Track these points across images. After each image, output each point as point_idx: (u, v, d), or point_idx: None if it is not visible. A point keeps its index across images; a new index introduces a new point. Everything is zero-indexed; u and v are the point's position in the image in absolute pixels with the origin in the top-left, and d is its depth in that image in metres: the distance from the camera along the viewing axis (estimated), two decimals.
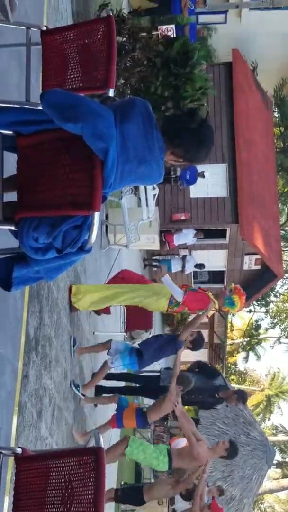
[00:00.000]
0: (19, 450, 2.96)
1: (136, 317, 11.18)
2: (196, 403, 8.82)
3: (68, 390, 7.07)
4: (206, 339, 28.87)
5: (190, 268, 19.76)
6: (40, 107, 3.21)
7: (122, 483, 9.01)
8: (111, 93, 3.51)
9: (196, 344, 8.10)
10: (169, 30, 13.08)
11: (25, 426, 5.09)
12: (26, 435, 5.10)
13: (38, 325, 5.77)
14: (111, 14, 3.73)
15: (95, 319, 9.61)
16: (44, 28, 3.80)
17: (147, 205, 11.93)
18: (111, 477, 10.00)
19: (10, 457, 3.04)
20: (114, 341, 8.17)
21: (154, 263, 20.82)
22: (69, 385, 7.15)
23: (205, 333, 29.76)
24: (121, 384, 10.01)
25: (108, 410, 8.88)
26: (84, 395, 7.70)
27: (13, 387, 4.80)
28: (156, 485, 8.07)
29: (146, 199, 11.54)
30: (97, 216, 2.98)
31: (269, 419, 42.90)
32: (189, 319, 7.48)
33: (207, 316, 8.48)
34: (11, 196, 3.23)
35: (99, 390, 8.74)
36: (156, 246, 14.71)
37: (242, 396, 8.49)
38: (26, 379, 5.18)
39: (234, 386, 31.85)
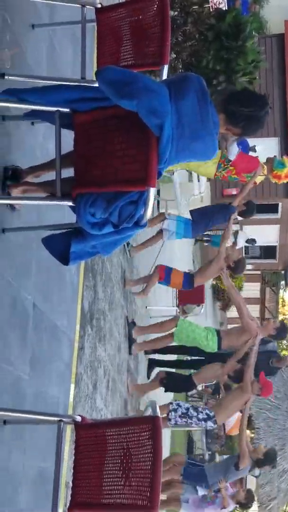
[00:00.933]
0: (78, 418, 3.06)
1: (188, 291, 11.21)
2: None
3: (122, 363, 7.19)
4: (257, 315, 28.80)
5: (241, 243, 19.59)
6: (96, 85, 3.27)
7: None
8: (165, 69, 3.54)
9: (249, 208, 8.26)
10: (221, 2, 12.93)
11: (81, 397, 5.23)
12: (82, 405, 5.24)
13: (93, 299, 5.88)
14: None
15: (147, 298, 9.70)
16: (99, 6, 3.84)
17: (198, 180, 11.91)
18: (164, 450, 10.14)
19: (69, 425, 3.14)
20: (166, 221, 8.19)
21: (205, 238, 20.76)
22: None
23: (256, 308, 29.69)
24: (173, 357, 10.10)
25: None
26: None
27: (69, 359, 4.93)
28: (204, 368, 8.01)
29: (198, 175, 11.52)
30: (152, 191, 3.03)
31: None
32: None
33: (255, 183, 8.52)
34: (67, 172, 3.30)
35: (152, 364, 8.83)
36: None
37: None
38: (81, 351, 5.31)
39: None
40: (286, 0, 25.83)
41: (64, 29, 4.84)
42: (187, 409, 7.29)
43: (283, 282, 28.67)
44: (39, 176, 3.76)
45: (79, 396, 5.13)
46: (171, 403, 7.37)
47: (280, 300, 36.21)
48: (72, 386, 4.93)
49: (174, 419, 7.21)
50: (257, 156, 8.24)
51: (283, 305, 40.71)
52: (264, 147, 19.60)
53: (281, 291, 33.13)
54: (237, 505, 8.03)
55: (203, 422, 7.29)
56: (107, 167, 3.12)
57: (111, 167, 3.11)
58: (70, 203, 3.19)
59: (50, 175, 3.67)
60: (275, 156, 8.15)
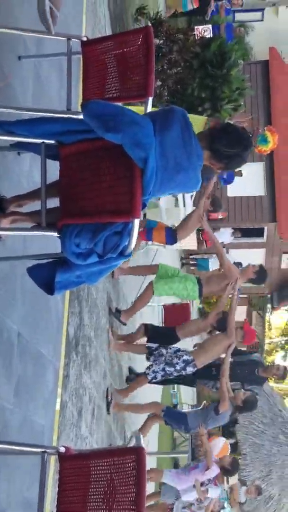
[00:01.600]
0: (62, 449, 3.05)
1: (174, 316, 11.23)
2: (234, 378, 8.54)
3: (108, 389, 7.18)
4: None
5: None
6: (81, 117, 3.32)
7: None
8: (149, 101, 3.59)
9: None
10: (206, 30, 13.10)
11: (66, 424, 5.21)
12: (67, 433, 5.22)
13: (78, 326, 5.88)
14: (149, 24, 3.81)
15: (133, 320, 9.69)
16: (85, 39, 3.90)
17: (184, 205, 11.97)
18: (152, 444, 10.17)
19: (53, 456, 3.13)
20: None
21: (191, 262, 20.84)
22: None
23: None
24: None
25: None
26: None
27: (54, 387, 4.92)
28: (187, 323, 8.03)
29: (184, 199, 11.60)
30: (137, 222, 3.06)
31: None
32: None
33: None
34: (54, 203, 3.33)
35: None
36: (193, 246, 14.73)
37: (285, 371, 8.26)
38: (67, 379, 5.30)
39: (272, 385, 31.70)
40: (271, 27, 26.26)
41: (51, 60, 4.90)
42: (163, 370, 7.27)
43: (269, 306, 28.75)
44: (23, 205, 3.80)
45: (64, 424, 5.12)
46: (147, 373, 7.31)
47: (267, 324, 36.27)
48: (57, 414, 4.92)
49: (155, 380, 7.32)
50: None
51: (270, 329, 40.79)
52: (250, 171, 19.77)
53: (267, 314, 33.20)
54: (221, 471, 7.94)
55: (183, 371, 7.26)
56: (92, 198, 3.15)
57: (96, 198, 3.14)
58: (56, 234, 3.22)
59: (36, 205, 3.71)
60: (258, 129, 8.22)
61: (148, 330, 7.69)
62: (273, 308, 27.69)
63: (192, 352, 7.38)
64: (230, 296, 7.34)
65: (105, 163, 3.16)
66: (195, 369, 7.33)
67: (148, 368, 7.37)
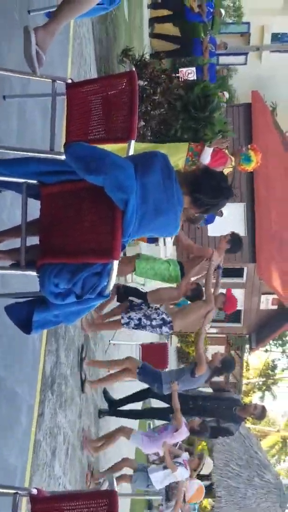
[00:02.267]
0: (34, 491, 3.02)
1: (152, 355, 11.20)
2: (211, 413, 8.44)
3: (82, 429, 7.11)
4: (221, 378, 28.72)
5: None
6: (64, 158, 3.35)
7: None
8: (132, 144, 3.63)
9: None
10: (190, 72, 13.33)
11: (39, 464, 5.15)
12: (40, 473, 5.16)
13: (55, 364, 5.85)
14: (133, 68, 3.88)
15: (111, 356, 9.66)
16: (69, 81, 3.96)
17: (164, 244, 12.03)
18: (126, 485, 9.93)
19: (25, 497, 3.09)
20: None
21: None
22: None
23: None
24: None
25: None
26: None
27: (28, 426, 4.87)
28: (160, 289, 7.89)
29: (164, 238, 11.65)
30: (116, 264, 3.08)
31: (284, 461, 42.30)
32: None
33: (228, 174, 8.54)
34: (34, 240, 3.34)
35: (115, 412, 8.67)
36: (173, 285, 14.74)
37: (263, 410, 8.29)
38: (41, 418, 5.25)
39: (249, 426, 31.54)
40: (254, 71, 26.75)
41: (35, 100, 4.95)
42: (139, 319, 7.25)
43: (247, 346, 28.74)
44: (1, 242, 3.81)
45: (37, 464, 5.05)
46: (122, 317, 7.27)
47: (245, 364, 36.23)
48: (30, 454, 4.86)
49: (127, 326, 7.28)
50: (224, 149, 8.36)
51: (248, 369, 40.73)
52: (231, 211, 19.94)
53: (245, 355, 33.17)
54: (190, 433, 7.79)
55: (157, 329, 7.23)
56: (71, 238, 3.17)
57: (76, 239, 3.16)
58: (34, 273, 3.22)
59: (15, 242, 3.71)
60: (241, 148, 8.35)
61: (119, 290, 7.69)
62: (251, 349, 27.66)
63: (171, 315, 7.36)
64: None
65: (86, 204, 3.19)
66: (171, 331, 7.33)
67: (125, 313, 7.33)
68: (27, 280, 4.03)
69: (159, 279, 7.76)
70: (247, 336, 25.84)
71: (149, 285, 8.04)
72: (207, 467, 8.16)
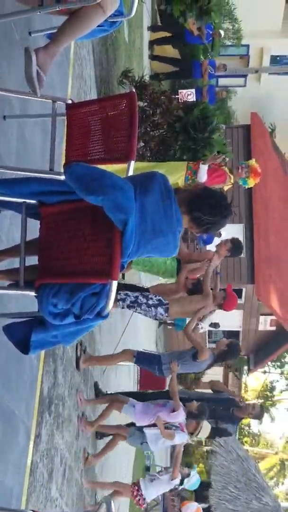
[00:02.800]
0: None
1: (150, 376, 11.16)
2: (211, 415, 8.20)
3: (79, 450, 7.06)
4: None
5: (205, 327, 19.70)
6: (63, 177, 3.36)
7: None
8: (132, 165, 3.64)
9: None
10: (189, 94, 13.44)
11: (36, 486, 5.10)
12: (37, 495, 5.11)
13: (52, 385, 5.82)
14: (133, 89, 3.90)
15: (108, 377, 9.63)
16: (69, 102, 3.98)
17: None
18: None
19: None
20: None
21: (168, 321, 20.81)
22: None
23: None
24: None
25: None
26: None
27: (25, 447, 4.83)
28: (160, 284, 8.08)
29: None
30: (115, 284, 3.07)
31: (282, 483, 42.02)
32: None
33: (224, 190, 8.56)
34: (30, 260, 3.34)
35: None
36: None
37: (261, 410, 8.20)
38: (38, 439, 5.21)
39: (247, 448, 31.34)
40: (253, 93, 26.93)
41: (35, 120, 4.98)
42: (136, 297, 7.14)
43: (246, 367, 28.67)
44: (0, 261, 3.80)
45: (33, 486, 5.00)
46: (119, 293, 7.09)
47: (243, 385, 36.11)
48: (27, 475, 4.82)
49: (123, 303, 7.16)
50: (222, 166, 8.37)
51: (246, 391, 40.57)
52: (229, 232, 19.97)
53: (244, 376, 33.09)
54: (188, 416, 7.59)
55: (152, 308, 7.08)
56: (70, 258, 3.17)
57: (75, 259, 3.15)
58: (33, 293, 3.21)
59: (13, 262, 3.71)
60: (241, 171, 8.35)
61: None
62: (249, 370, 27.59)
63: (170, 301, 7.34)
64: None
65: (85, 224, 3.19)
66: (166, 314, 7.22)
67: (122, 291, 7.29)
68: (26, 300, 4.03)
69: (156, 271, 7.75)
70: (246, 357, 25.77)
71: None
72: (205, 430, 7.99)
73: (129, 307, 7.21)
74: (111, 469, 9.22)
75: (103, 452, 7.80)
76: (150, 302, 7.11)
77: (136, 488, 7.38)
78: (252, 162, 8.42)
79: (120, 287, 7.65)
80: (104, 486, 7.80)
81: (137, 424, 7.52)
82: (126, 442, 7.78)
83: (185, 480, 7.73)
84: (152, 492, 7.49)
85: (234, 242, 7.85)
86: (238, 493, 15.79)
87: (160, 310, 7.14)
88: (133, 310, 7.32)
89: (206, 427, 7.95)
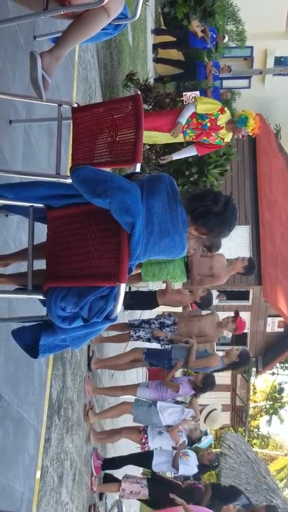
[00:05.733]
0: None
1: (158, 378, 11.14)
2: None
3: (89, 454, 7.05)
4: (228, 402, 28.58)
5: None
6: (70, 181, 3.36)
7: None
8: (138, 167, 3.64)
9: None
10: (194, 96, 13.41)
11: (46, 490, 5.10)
12: (47, 500, 5.10)
13: (61, 388, 5.81)
14: (138, 92, 3.90)
15: (117, 381, 9.61)
16: (75, 105, 3.98)
17: None
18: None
19: None
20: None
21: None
22: None
23: (227, 395, 29.43)
24: None
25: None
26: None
27: (35, 451, 4.82)
28: (172, 291, 8.02)
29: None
30: (123, 287, 3.06)
31: None
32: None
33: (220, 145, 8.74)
34: (37, 264, 3.34)
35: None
36: (179, 308, 14.73)
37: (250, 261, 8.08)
38: (48, 443, 5.21)
39: (257, 450, 31.28)
40: (258, 94, 26.91)
41: (41, 124, 4.98)
42: (148, 339, 7.54)
43: (254, 369, 28.59)
44: (7, 265, 3.80)
45: (44, 490, 5.00)
46: (131, 335, 7.51)
47: (251, 388, 36.01)
48: (37, 480, 4.81)
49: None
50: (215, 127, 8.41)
51: (254, 393, 40.48)
52: (236, 234, 19.97)
53: (252, 378, 32.99)
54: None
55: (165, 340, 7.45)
56: (78, 261, 3.16)
57: (83, 262, 3.15)
58: (41, 297, 3.21)
59: (20, 266, 3.71)
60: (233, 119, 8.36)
61: (128, 297, 7.79)
62: (257, 372, 27.51)
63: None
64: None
65: (92, 227, 3.18)
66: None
67: (134, 332, 7.57)
68: (34, 305, 4.03)
69: (164, 276, 7.75)
70: (254, 359, 25.71)
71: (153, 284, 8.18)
72: (215, 419, 7.98)
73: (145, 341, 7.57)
74: (122, 447, 9.20)
75: (105, 414, 7.75)
76: (162, 343, 7.50)
77: (145, 436, 7.31)
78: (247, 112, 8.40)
79: (129, 305, 7.76)
80: (111, 436, 7.62)
81: (150, 396, 7.52)
82: (132, 414, 7.62)
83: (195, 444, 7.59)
84: (157, 443, 7.40)
85: (251, 262, 7.90)
86: (248, 495, 15.77)
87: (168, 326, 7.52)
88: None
89: (218, 417, 7.91)
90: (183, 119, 8.13)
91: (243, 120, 8.17)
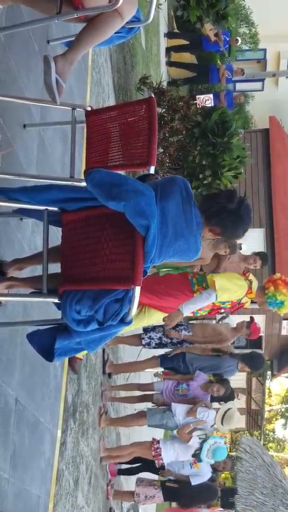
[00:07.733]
0: None
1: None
2: None
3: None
4: (243, 405, 28.46)
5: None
6: (84, 184, 3.36)
7: None
8: (151, 170, 3.63)
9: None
10: (207, 99, 13.42)
11: (62, 494, 5.09)
12: (63, 503, 5.10)
13: (76, 392, 5.81)
14: (152, 95, 3.89)
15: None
16: (89, 108, 3.98)
17: None
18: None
19: None
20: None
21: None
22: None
23: (242, 398, 29.31)
24: None
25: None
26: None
27: (51, 455, 4.82)
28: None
29: None
30: (138, 290, 3.05)
31: None
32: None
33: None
34: (51, 268, 3.34)
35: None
36: None
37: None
38: (63, 447, 5.21)
39: (273, 454, 31.12)
40: (271, 96, 26.85)
41: (55, 128, 4.99)
42: (160, 338, 7.40)
43: (269, 372, 28.47)
44: (22, 269, 3.81)
45: (59, 494, 5.00)
46: (142, 337, 7.42)
47: (267, 391, 35.85)
48: (53, 483, 4.81)
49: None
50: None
51: (270, 396, 40.31)
52: (251, 237, 19.89)
53: (267, 381, 32.87)
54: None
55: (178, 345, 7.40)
56: (93, 265, 3.16)
57: (98, 265, 3.14)
58: (56, 300, 3.21)
59: (34, 270, 3.71)
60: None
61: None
62: (273, 375, 27.39)
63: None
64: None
65: (107, 230, 3.18)
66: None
67: (145, 333, 7.48)
68: (49, 308, 4.03)
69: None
70: (269, 362, 25.58)
71: None
72: (233, 419, 7.89)
73: (155, 348, 7.50)
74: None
75: (119, 422, 7.71)
76: (175, 340, 7.37)
77: (156, 446, 7.24)
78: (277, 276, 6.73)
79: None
80: (122, 451, 7.55)
81: (164, 396, 7.46)
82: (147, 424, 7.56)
83: (205, 447, 7.39)
84: (170, 452, 7.28)
85: (262, 254, 7.82)
86: (264, 499, 15.69)
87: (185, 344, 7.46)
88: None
89: (234, 414, 7.84)
90: (188, 310, 6.30)
91: (278, 304, 6.61)
